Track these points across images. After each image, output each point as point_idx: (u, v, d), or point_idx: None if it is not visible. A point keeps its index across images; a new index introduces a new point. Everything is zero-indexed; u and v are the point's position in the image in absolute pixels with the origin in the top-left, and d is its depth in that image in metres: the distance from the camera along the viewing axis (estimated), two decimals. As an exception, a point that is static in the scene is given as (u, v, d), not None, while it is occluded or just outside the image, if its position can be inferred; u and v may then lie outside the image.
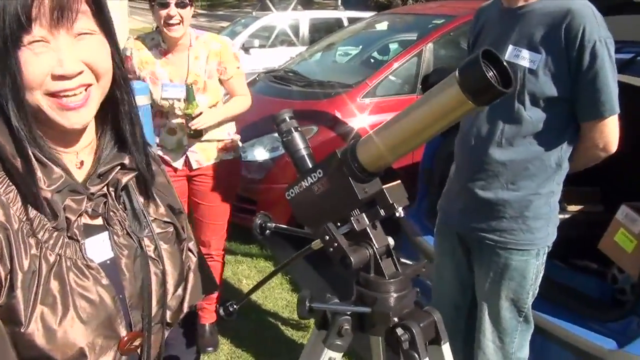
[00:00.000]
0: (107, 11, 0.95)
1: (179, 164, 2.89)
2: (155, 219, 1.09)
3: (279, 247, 4.41)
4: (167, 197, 1.15)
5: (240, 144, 3.10)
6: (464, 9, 5.01)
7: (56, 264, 0.91)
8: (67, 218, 0.92)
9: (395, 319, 0.99)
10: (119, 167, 1.00)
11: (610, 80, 1.79)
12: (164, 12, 2.64)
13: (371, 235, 0.98)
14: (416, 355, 1.00)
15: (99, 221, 0.99)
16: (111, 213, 1.00)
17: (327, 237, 0.98)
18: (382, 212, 0.95)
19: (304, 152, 1.05)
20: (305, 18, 11.02)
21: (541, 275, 2.03)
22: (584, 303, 2.47)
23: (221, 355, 3.14)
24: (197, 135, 2.80)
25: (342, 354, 1.04)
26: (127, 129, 1.02)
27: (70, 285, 0.91)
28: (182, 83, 2.76)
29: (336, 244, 0.97)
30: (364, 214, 0.97)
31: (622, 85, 1.89)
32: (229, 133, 2.97)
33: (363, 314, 1.01)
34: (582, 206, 3.01)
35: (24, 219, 0.89)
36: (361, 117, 4.31)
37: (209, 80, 2.81)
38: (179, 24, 2.66)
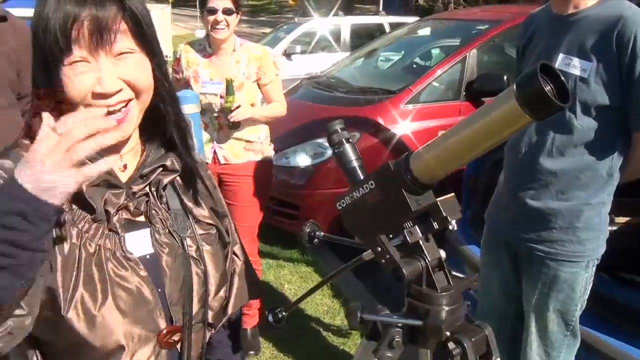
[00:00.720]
0: (147, 29, 0.98)
1: (208, 158, 3.04)
2: (198, 220, 1.12)
3: (320, 253, 4.42)
4: (212, 201, 1.19)
5: (272, 150, 3.20)
6: (508, 14, 4.95)
7: (96, 253, 0.96)
8: (106, 211, 0.98)
9: (447, 333, 0.98)
10: (161, 169, 1.06)
11: None
12: (212, 18, 2.87)
13: (424, 248, 0.98)
14: (468, 370, 0.99)
15: (142, 219, 1.04)
16: (153, 211, 1.05)
17: (380, 249, 0.98)
18: (435, 224, 0.95)
19: (355, 164, 1.05)
20: (346, 24, 11.05)
21: (590, 288, 1.98)
22: (632, 318, 2.40)
23: (262, 358, 3.17)
24: (235, 127, 2.96)
25: (392, 366, 1.03)
26: (175, 135, 1.08)
27: (109, 275, 0.96)
28: (222, 81, 2.95)
29: (388, 256, 0.97)
30: (416, 227, 0.96)
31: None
32: (259, 137, 3.10)
33: (414, 326, 1.01)
34: (631, 218, 2.93)
35: (65, 209, 0.94)
36: (404, 124, 4.29)
37: (246, 80, 2.99)
38: (224, 28, 2.88)
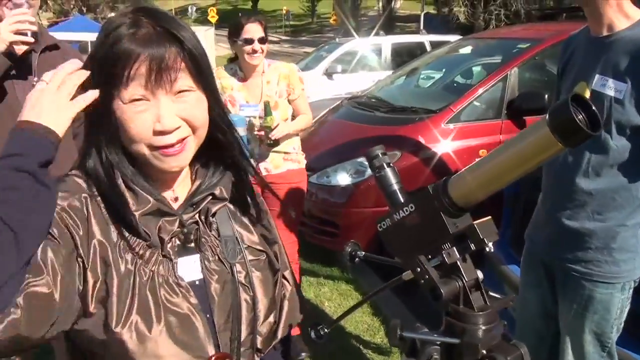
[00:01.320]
0: (205, 68, 1.01)
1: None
2: (248, 246, 1.15)
3: (360, 271, 4.45)
4: (262, 227, 1.22)
5: (304, 158, 3.47)
6: (549, 32, 4.92)
7: (149, 279, 0.99)
8: (160, 238, 1.02)
9: (484, 351, 1.02)
10: (210, 197, 1.09)
11: None
12: (249, 47, 3.13)
13: (461, 269, 1.02)
14: (504, 388, 1.02)
15: (192, 245, 1.07)
16: (202, 239, 1.07)
17: (419, 269, 1.02)
18: (472, 246, 0.99)
19: (395, 187, 1.10)
20: (387, 43, 11.13)
21: (627, 310, 1.97)
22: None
23: (304, 376, 3.21)
24: (275, 144, 3.23)
25: (430, 382, 1.07)
26: (241, 161, 1.13)
27: (162, 300, 0.99)
28: (257, 103, 3.21)
29: (427, 276, 1.01)
30: (454, 248, 1.00)
31: None
32: (294, 147, 3.39)
33: (452, 344, 1.04)
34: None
35: (122, 237, 0.99)
36: (445, 143, 4.31)
37: (279, 99, 3.26)
38: (260, 55, 3.16)
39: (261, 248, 1.17)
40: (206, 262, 1.07)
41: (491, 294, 1.08)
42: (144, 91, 0.95)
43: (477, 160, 0.98)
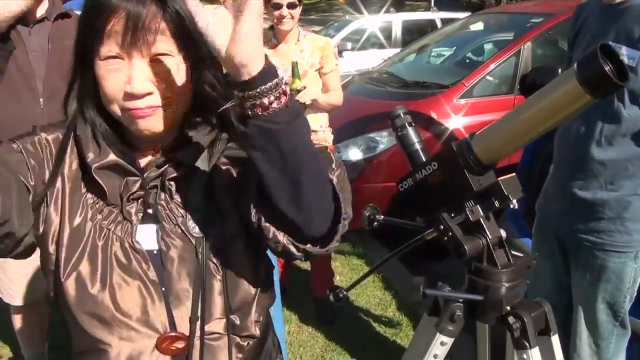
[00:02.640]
0: (190, 30, 0.89)
1: None
2: (225, 221, 1.00)
3: (371, 246, 4.46)
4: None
5: (331, 136, 3.37)
6: (562, 6, 4.85)
7: (104, 236, 0.95)
8: (121, 196, 0.96)
9: (508, 308, 1.02)
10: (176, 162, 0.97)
11: None
12: (277, 12, 3.07)
13: (485, 226, 1.02)
14: (527, 344, 1.02)
15: (151, 212, 0.98)
16: (159, 206, 0.97)
17: (442, 227, 1.03)
18: (496, 203, 0.99)
19: (417, 146, 1.10)
20: (397, 20, 11.02)
21: (638, 281, 1.97)
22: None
23: (316, 348, 3.23)
24: None
25: (453, 339, 1.08)
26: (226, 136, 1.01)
27: (112, 262, 0.94)
28: (286, 69, 3.10)
29: (451, 233, 1.01)
30: (478, 206, 1.00)
31: None
32: (322, 125, 3.29)
33: (474, 301, 1.05)
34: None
35: (89, 189, 0.97)
36: (457, 118, 4.28)
37: (310, 69, 3.16)
38: (289, 20, 3.09)
39: (239, 225, 1.01)
40: (161, 232, 0.97)
41: (514, 252, 1.08)
42: (119, 49, 0.88)
43: (503, 115, 0.98)
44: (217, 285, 0.98)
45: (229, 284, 0.99)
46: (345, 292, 1.31)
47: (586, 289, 2.00)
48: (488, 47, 5.71)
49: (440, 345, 1.06)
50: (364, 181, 4.32)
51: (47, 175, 0.97)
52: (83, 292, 0.93)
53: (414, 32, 10.49)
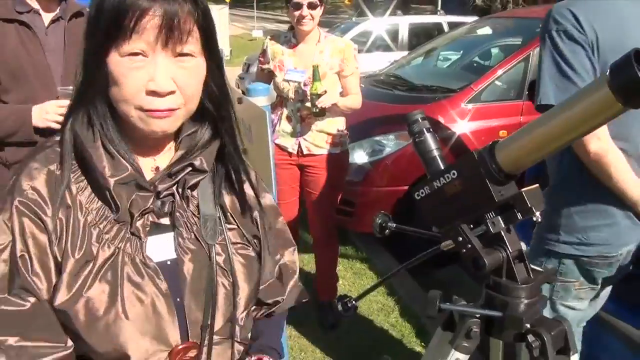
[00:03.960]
0: (215, 35, 0.94)
1: (293, 149, 3.22)
2: (232, 228, 1.05)
3: (374, 251, 4.42)
4: (259, 209, 1.12)
5: (348, 140, 3.35)
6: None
7: (113, 256, 0.91)
8: (130, 213, 0.92)
9: (527, 325, 0.97)
10: (190, 169, 0.98)
11: None
12: (297, 13, 3.02)
13: (505, 239, 0.97)
14: (546, 363, 0.98)
15: (166, 221, 0.98)
16: (177, 214, 0.97)
17: (461, 239, 0.98)
18: (519, 215, 0.94)
19: (435, 153, 1.05)
20: (404, 23, 10.98)
21: None
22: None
23: (317, 353, 3.19)
24: (321, 114, 3.08)
25: (468, 356, 1.03)
26: (228, 140, 1.03)
27: (123, 281, 0.90)
28: (305, 69, 3.09)
29: (470, 245, 0.96)
30: (499, 217, 0.96)
31: None
32: (338, 129, 3.25)
33: (491, 317, 1.00)
34: None
35: (89, 209, 0.91)
36: (464, 123, 4.24)
37: (329, 71, 3.12)
38: (309, 21, 3.04)
39: (251, 231, 1.07)
40: (180, 240, 0.97)
41: (533, 267, 1.04)
42: (145, 46, 0.86)
43: (527, 123, 0.93)
44: (225, 291, 0.99)
45: (235, 290, 1.01)
46: (354, 302, 1.26)
47: None
48: (495, 51, 5.67)
49: (455, 362, 1.02)
50: (369, 184, 4.28)
51: (49, 223, 0.90)
52: (93, 318, 0.89)
53: (420, 36, 10.45)
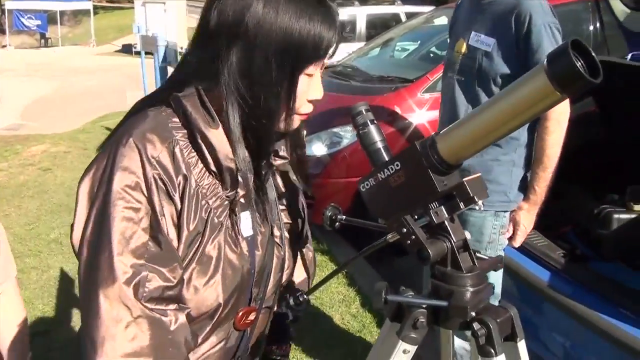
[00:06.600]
0: None
1: None
2: (284, 210, 1.21)
3: (335, 242, 4.42)
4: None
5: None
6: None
7: (217, 230, 1.01)
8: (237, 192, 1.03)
9: (472, 313, 0.98)
10: (273, 154, 1.12)
11: None
12: None
13: (449, 229, 0.98)
14: (492, 351, 0.98)
15: (242, 200, 1.07)
16: (257, 195, 1.09)
17: (405, 230, 0.97)
18: (461, 205, 0.94)
19: (380, 145, 1.05)
20: (362, 13, 10.98)
21: (504, 241, 2.27)
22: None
23: (279, 347, 3.18)
24: None
25: (416, 346, 1.03)
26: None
27: (225, 253, 1.01)
28: None
29: (414, 237, 0.96)
30: (442, 207, 0.96)
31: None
32: None
33: (438, 307, 1.00)
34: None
35: (201, 183, 0.99)
36: (421, 113, 4.27)
37: None
38: None
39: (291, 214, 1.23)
40: (258, 219, 1.09)
41: (479, 255, 1.04)
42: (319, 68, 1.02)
43: (467, 113, 0.93)
44: (277, 266, 1.14)
45: (284, 265, 1.17)
46: (305, 297, 1.25)
47: None
48: (452, 41, 5.71)
49: (403, 353, 1.01)
50: (327, 176, 4.28)
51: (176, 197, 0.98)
52: (194, 289, 0.99)
53: (378, 26, 10.48)
